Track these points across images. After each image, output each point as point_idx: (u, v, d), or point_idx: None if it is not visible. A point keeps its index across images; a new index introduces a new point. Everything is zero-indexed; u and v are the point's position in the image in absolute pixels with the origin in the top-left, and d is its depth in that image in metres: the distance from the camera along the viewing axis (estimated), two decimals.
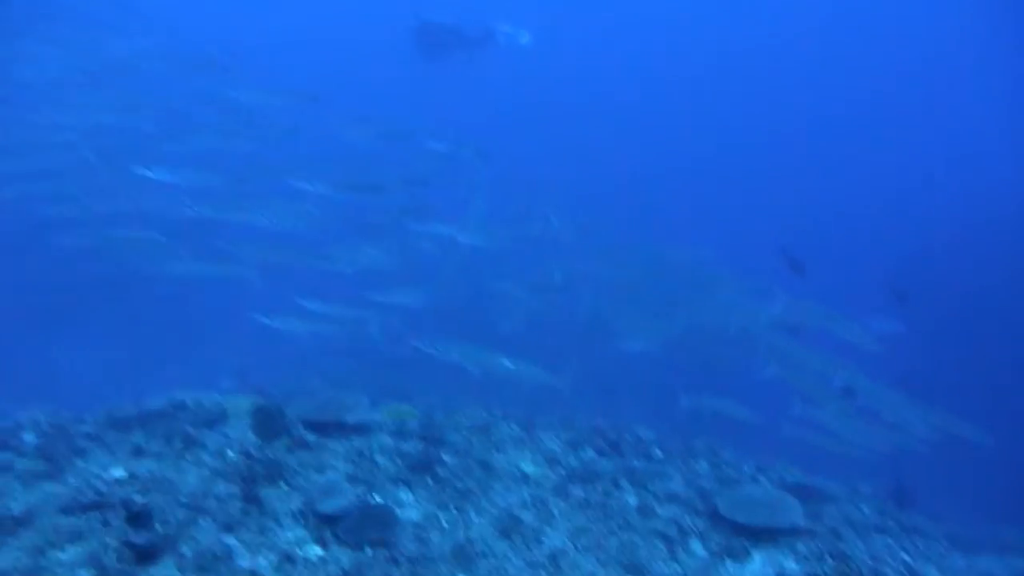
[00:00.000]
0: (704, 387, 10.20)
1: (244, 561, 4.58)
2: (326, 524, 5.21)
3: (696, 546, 6.16)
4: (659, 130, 30.35)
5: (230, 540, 4.74)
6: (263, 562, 4.62)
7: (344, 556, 4.98)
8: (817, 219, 24.94)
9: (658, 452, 8.34)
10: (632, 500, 6.70)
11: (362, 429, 7.12)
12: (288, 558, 4.70)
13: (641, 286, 12.56)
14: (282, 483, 5.51)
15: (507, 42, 16.98)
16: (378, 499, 5.84)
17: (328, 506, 5.26)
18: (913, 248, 19.95)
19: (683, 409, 9.63)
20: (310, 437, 6.52)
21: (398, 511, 5.74)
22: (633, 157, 27.51)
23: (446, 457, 6.95)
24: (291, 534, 5.03)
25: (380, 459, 6.51)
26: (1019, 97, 26.87)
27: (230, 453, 5.57)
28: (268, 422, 6.32)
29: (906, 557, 6.55)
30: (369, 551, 5.11)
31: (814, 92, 31.95)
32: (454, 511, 6.00)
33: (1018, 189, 19.88)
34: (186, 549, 4.50)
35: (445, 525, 5.80)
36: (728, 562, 6.00)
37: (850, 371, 9.19)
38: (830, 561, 5.94)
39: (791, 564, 5.97)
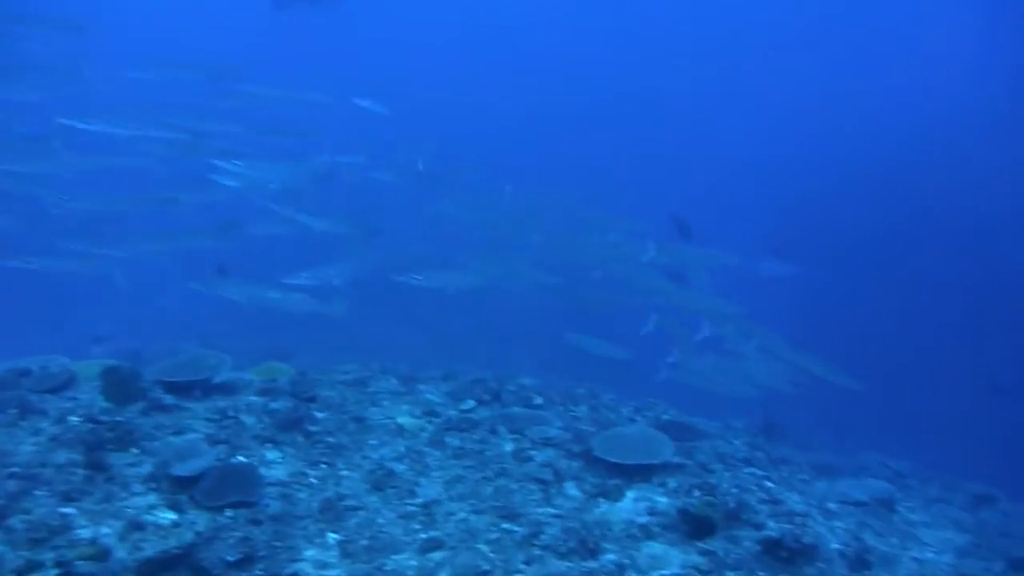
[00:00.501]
0: (587, 330, 10.31)
1: (85, 531, 4.27)
2: (181, 488, 4.94)
3: (571, 488, 6.21)
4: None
5: (69, 510, 4.41)
6: (107, 531, 4.33)
7: (201, 519, 4.73)
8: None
9: (538, 399, 8.34)
10: (508, 447, 6.68)
11: (227, 389, 6.82)
12: (136, 525, 4.42)
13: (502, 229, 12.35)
14: (133, 448, 5.19)
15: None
16: (242, 459, 5.59)
17: (183, 469, 4.99)
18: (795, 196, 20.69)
19: (567, 347, 9.69)
20: (168, 399, 6.18)
21: (263, 470, 5.52)
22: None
23: (318, 413, 6.74)
24: (141, 500, 4.74)
25: (246, 419, 6.24)
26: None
27: (73, 419, 5.19)
28: (120, 385, 5.93)
29: (770, 485, 6.80)
30: (229, 513, 4.88)
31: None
32: (324, 467, 5.83)
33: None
34: (16, 523, 4.15)
35: (314, 482, 5.63)
36: (602, 501, 6.07)
37: (728, 316, 9.44)
38: (698, 494, 6.10)
39: (662, 499, 6.10)
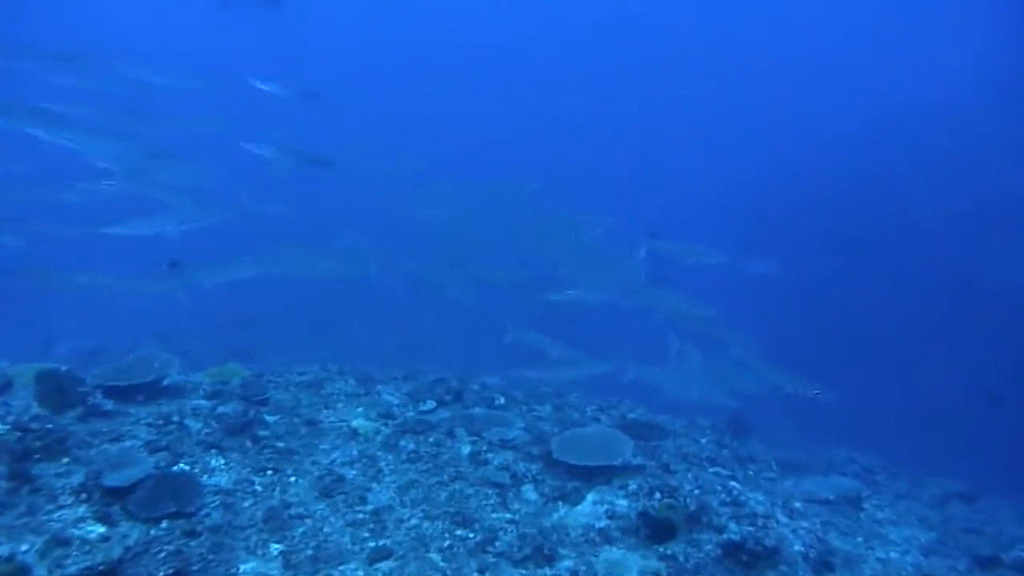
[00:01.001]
0: (546, 328, 10.11)
1: (1, 548, 4.03)
2: (115, 499, 4.70)
3: (529, 492, 6.03)
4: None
5: None
6: (26, 547, 4.09)
7: (133, 532, 4.50)
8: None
9: (501, 399, 8.16)
10: (466, 450, 6.48)
11: (174, 392, 6.57)
12: (60, 541, 4.18)
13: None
14: (64, 457, 4.93)
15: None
16: (183, 467, 5.35)
17: (116, 479, 4.75)
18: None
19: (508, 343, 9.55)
20: (108, 405, 5.92)
21: (205, 478, 5.30)
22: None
23: (268, 417, 6.52)
24: (69, 513, 4.50)
25: (191, 423, 6.00)
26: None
27: (1, 427, 4.93)
28: (56, 391, 5.66)
29: (735, 485, 6.66)
30: (164, 524, 4.65)
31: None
32: (271, 474, 5.60)
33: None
34: None
35: (259, 489, 5.40)
36: (560, 505, 5.90)
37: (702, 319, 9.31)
38: (659, 496, 5.94)
39: (621, 502, 5.93)
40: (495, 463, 6.29)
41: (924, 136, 20.50)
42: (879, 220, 18.61)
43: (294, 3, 15.66)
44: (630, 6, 32.91)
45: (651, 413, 8.78)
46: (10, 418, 5.02)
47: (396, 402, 7.47)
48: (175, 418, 5.97)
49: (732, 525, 5.66)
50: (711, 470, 7.06)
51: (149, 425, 5.77)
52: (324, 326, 17.18)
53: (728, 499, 6.15)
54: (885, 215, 18.57)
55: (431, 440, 6.54)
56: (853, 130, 22.25)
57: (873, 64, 27.00)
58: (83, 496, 4.64)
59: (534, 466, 6.37)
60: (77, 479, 4.74)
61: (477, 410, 7.59)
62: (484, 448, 6.52)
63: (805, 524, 6.47)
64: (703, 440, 8.12)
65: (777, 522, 6.10)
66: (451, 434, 6.75)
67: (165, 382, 6.74)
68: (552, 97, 31.12)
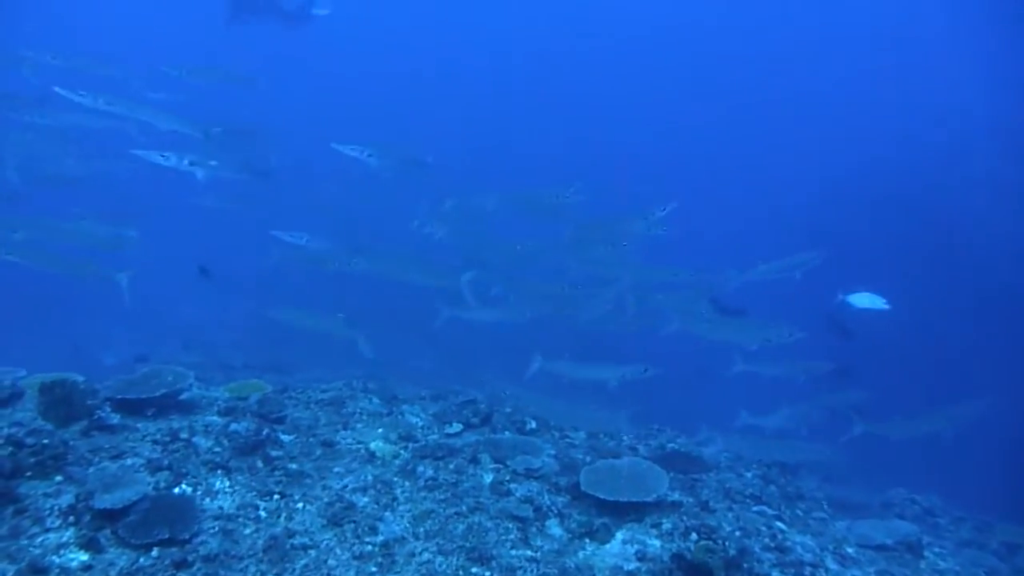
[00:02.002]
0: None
1: None
2: (105, 522, 4.41)
3: (554, 527, 5.58)
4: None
5: None
6: None
7: (121, 560, 4.20)
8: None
9: (533, 423, 7.74)
10: (488, 478, 6.07)
11: (186, 407, 6.31)
12: (36, 569, 3.89)
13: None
14: (58, 475, 4.67)
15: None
16: (184, 489, 5.06)
17: (108, 500, 4.46)
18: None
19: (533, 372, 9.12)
20: (115, 419, 5.68)
21: (206, 501, 4.99)
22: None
23: (284, 436, 6.21)
24: (53, 537, 4.22)
25: (200, 441, 5.72)
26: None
27: None
28: (61, 403, 5.44)
29: (781, 526, 6.14)
30: (155, 552, 4.34)
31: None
32: (277, 499, 5.27)
33: None
34: None
35: (263, 515, 5.07)
36: (587, 543, 5.44)
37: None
38: (695, 537, 5.45)
39: (654, 542, 5.45)
40: (518, 494, 5.86)
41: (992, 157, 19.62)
42: (941, 237, 17.72)
43: (320, 20, 15.48)
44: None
45: (694, 444, 8.26)
46: (5, 431, 4.78)
47: (420, 424, 7.12)
48: (183, 435, 5.70)
49: (775, 573, 5.15)
50: (755, 509, 6.51)
51: (155, 442, 5.50)
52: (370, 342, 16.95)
53: (772, 543, 5.63)
54: (949, 234, 17.66)
55: (452, 467, 6.14)
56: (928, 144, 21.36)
57: (938, 79, 26.04)
58: (71, 519, 4.36)
59: (560, 499, 5.93)
60: (67, 500, 4.46)
61: (506, 435, 7.18)
62: (507, 477, 6.10)
63: (858, 573, 5.89)
64: (748, 474, 7.57)
65: (827, 571, 5.55)
66: (474, 460, 6.34)
67: (183, 396, 6.51)
68: (600, 103, 30.87)
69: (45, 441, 4.78)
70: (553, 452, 6.88)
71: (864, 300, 11.47)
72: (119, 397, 5.87)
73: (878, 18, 29.07)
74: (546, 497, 5.88)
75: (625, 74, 32.85)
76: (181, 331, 16.92)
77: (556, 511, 5.73)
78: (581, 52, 33.46)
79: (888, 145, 22.59)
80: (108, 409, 5.79)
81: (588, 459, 6.85)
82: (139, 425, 5.71)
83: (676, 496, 6.19)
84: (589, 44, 33.75)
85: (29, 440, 4.74)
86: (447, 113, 28.51)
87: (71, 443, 5.10)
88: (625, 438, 7.98)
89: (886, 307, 11.22)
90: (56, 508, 4.39)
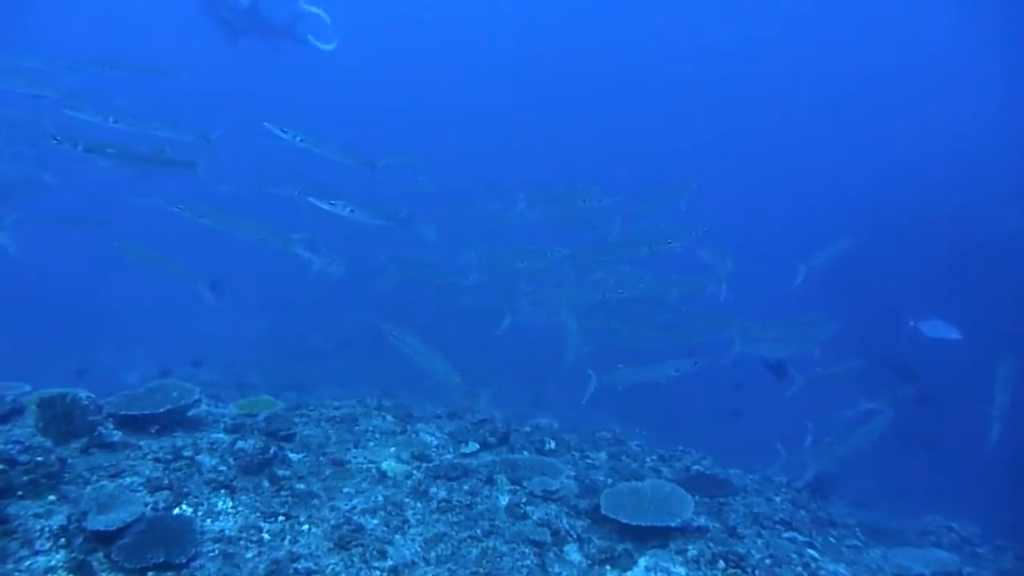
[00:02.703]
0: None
1: None
2: (99, 544, 4.19)
3: (572, 552, 5.29)
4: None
5: None
6: None
7: None
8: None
9: (551, 443, 7.47)
10: (504, 500, 5.79)
11: (192, 424, 6.11)
12: None
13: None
14: (51, 495, 4.46)
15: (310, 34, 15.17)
16: (185, 509, 4.83)
17: (102, 521, 4.23)
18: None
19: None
20: (116, 436, 5.47)
21: (207, 523, 4.75)
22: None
23: (292, 455, 5.98)
24: (41, 561, 3.99)
25: (204, 459, 5.49)
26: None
27: None
28: (61, 419, 5.24)
29: (812, 554, 5.80)
30: None
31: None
32: (282, 520, 5.02)
33: None
34: None
35: (266, 537, 4.82)
36: (608, 570, 5.14)
37: None
38: (722, 564, 5.13)
39: (679, 570, 5.14)
40: (535, 517, 5.57)
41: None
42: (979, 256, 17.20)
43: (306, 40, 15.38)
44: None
45: (720, 466, 7.93)
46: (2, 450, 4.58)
47: (434, 443, 6.86)
48: (187, 453, 5.48)
49: None
50: (785, 535, 6.17)
51: (156, 460, 5.28)
52: (387, 360, 16.80)
53: (805, 573, 5.29)
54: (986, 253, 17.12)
55: (466, 488, 5.86)
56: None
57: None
58: (62, 541, 4.14)
59: (580, 522, 5.64)
60: (59, 520, 4.24)
61: (523, 455, 6.90)
62: (524, 499, 5.81)
63: None
64: (778, 499, 7.23)
65: None
66: (490, 481, 6.07)
67: (190, 412, 6.31)
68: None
69: (39, 459, 4.57)
70: (572, 473, 6.60)
71: (936, 329, 10.97)
72: (121, 413, 5.67)
73: (905, 30, 28.73)
74: (564, 520, 5.58)
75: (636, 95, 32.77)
76: (200, 349, 16.86)
77: (575, 535, 5.43)
78: (635, 57, 33.43)
79: (918, 161, 22.14)
80: (111, 426, 5.60)
81: (609, 481, 6.58)
82: (141, 443, 5.50)
83: (702, 521, 5.88)
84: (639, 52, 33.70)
85: (22, 458, 4.54)
86: (463, 117, 28.58)
87: (69, 461, 4.90)
88: (648, 459, 7.67)
89: (958, 337, 10.80)
90: (47, 529, 4.17)
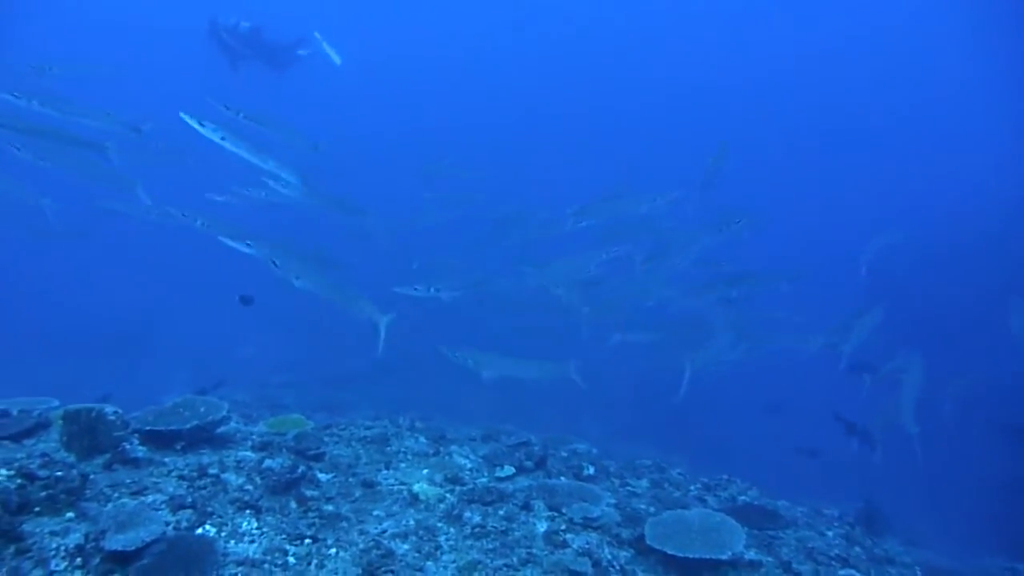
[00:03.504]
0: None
1: None
2: (116, 565, 3.96)
3: None
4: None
5: None
6: None
7: None
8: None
9: (590, 469, 7.15)
10: (542, 527, 5.48)
11: (219, 441, 5.91)
12: None
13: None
14: (69, 512, 4.25)
15: (316, 57, 15.15)
16: (208, 530, 4.60)
17: (120, 541, 4.01)
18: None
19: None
20: (140, 451, 5.28)
21: (230, 544, 4.51)
22: None
23: (321, 475, 5.74)
24: None
25: (231, 477, 5.28)
26: None
27: (2, 473, 4.30)
28: (85, 434, 5.07)
29: None
30: None
31: None
32: (308, 543, 4.76)
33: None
34: None
35: (291, 561, 4.56)
36: None
37: None
38: None
39: None
40: (575, 546, 5.25)
41: None
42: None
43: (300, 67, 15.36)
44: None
45: (767, 496, 7.53)
46: (18, 463, 4.39)
47: (468, 465, 6.58)
48: (213, 470, 5.26)
49: None
50: (842, 572, 5.78)
51: (181, 478, 5.07)
52: (422, 384, 16.68)
53: None
54: None
55: (502, 513, 5.57)
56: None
57: None
58: (78, 561, 3.92)
59: (623, 553, 5.31)
60: (75, 539, 4.02)
61: (561, 480, 6.59)
62: (563, 527, 5.50)
63: None
64: (830, 533, 6.82)
65: None
66: (527, 507, 5.77)
67: (219, 430, 6.12)
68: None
69: (59, 474, 4.37)
70: (613, 501, 6.27)
71: None
72: (147, 429, 5.48)
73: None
74: (607, 550, 5.26)
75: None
76: (237, 372, 16.86)
77: (618, 567, 5.10)
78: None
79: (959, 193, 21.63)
80: (136, 441, 5.41)
81: (652, 509, 6.25)
82: (166, 459, 5.31)
83: (753, 555, 5.51)
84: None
85: (42, 472, 4.34)
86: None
87: (91, 476, 4.70)
88: (692, 487, 7.32)
89: None
90: (63, 548, 3.96)
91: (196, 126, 7.04)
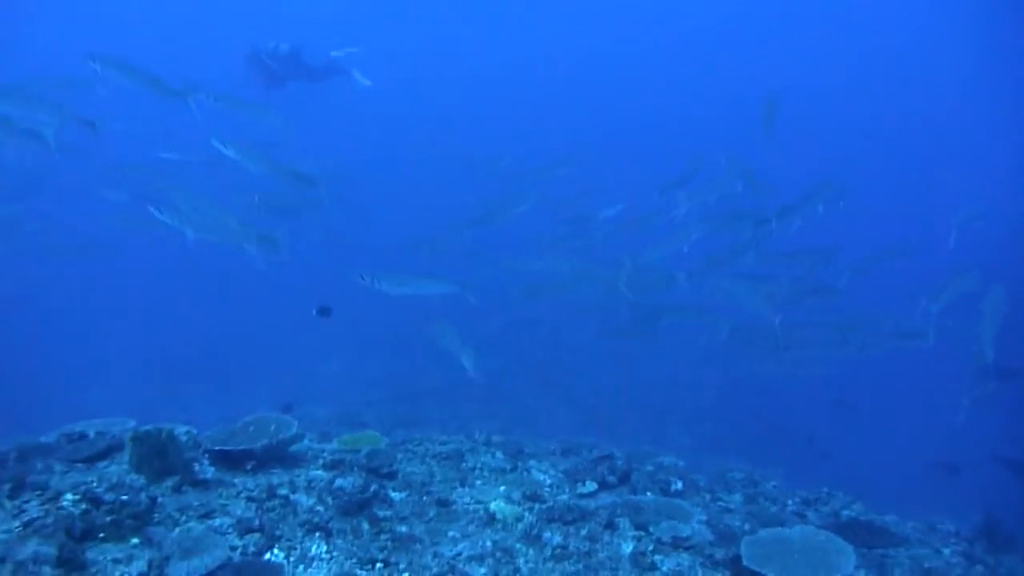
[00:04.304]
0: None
1: None
2: None
3: None
4: None
5: None
6: None
7: None
8: None
9: (678, 484, 6.71)
10: (628, 547, 5.11)
11: (290, 460, 5.75)
12: None
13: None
14: (134, 537, 4.11)
15: (349, 75, 15.11)
16: (276, 554, 4.40)
17: (183, 569, 3.85)
18: None
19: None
20: (210, 472, 5.15)
21: (298, 570, 4.31)
22: None
23: (394, 494, 5.51)
24: None
25: (301, 498, 5.09)
26: None
27: (68, 498, 4.20)
28: (155, 455, 4.96)
29: None
30: None
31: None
32: (380, 568, 4.52)
33: None
34: None
35: None
36: None
37: None
38: None
39: None
40: (664, 568, 4.86)
41: None
42: None
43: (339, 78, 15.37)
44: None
45: (873, 510, 6.95)
46: (84, 487, 4.30)
47: (548, 482, 6.25)
48: (282, 491, 5.09)
49: None
50: None
51: (249, 499, 4.91)
52: (501, 397, 16.48)
53: None
54: None
55: (584, 533, 5.22)
56: None
57: None
58: None
59: (718, 575, 4.89)
60: (139, 567, 3.87)
61: (647, 496, 6.21)
62: (650, 547, 5.11)
63: None
64: (947, 551, 6.20)
65: None
66: (611, 526, 5.40)
67: (292, 448, 5.98)
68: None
69: (124, 498, 4.25)
70: (704, 518, 5.83)
71: None
72: (217, 449, 5.36)
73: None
74: (700, 573, 4.85)
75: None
76: (322, 388, 17.01)
77: None
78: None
79: None
80: (206, 462, 5.30)
81: (747, 527, 5.80)
82: (236, 480, 5.16)
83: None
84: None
85: (108, 497, 4.23)
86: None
87: (159, 500, 4.58)
88: (789, 502, 6.80)
89: None
90: None
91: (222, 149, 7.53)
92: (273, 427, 5.64)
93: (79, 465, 5.15)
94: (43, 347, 16.61)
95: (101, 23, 29.93)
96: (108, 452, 5.38)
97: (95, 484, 4.44)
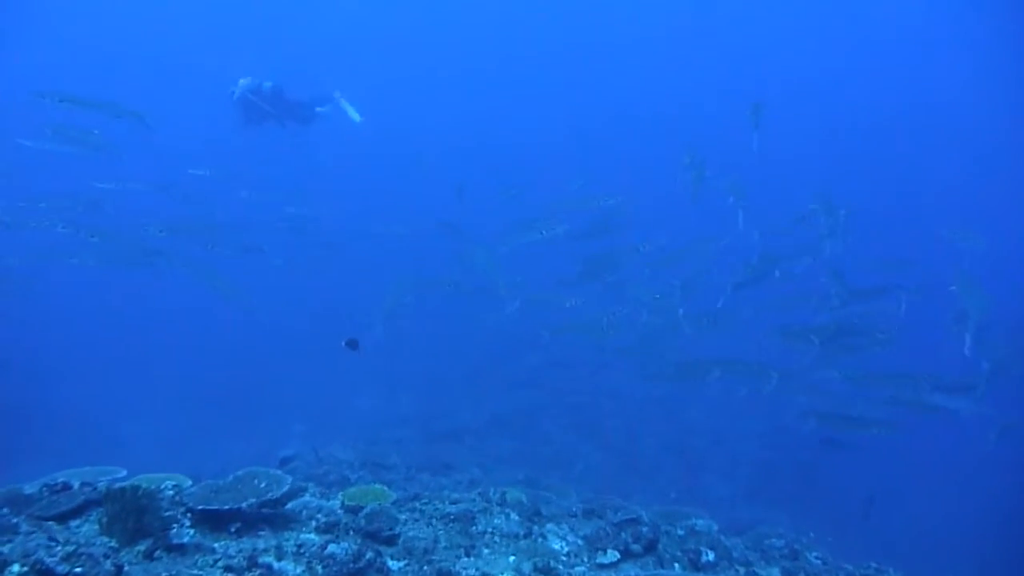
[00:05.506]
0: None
1: None
2: None
3: None
4: None
5: None
6: None
7: None
8: None
9: (710, 554, 6.09)
10: None
11: (281, 521, 5.29)
12: None
13: None
14: None
15: (335, 115, 15.01)
16: None
17: None
18: None
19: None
20: (188, 535, 4.72)
21: None
22: None
23: (392, 562, 5.02)
24: None
25: (287, 567, 4.63)
26: None
27: (14, 571, 3.79)
28: (131, 514, 4.54)
29: None
30: None
31: None
32: None
33: None
34: None
35: None
36: None
37: None
38: None
39: None
40: None
41: None
42: None
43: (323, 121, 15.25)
44: None
45: None
46: (34, 556, 3.88)
47: (565, 549, 5.70)
48: (266, 559, 4.63)
49: None
50: None
51: (227, 569, 4.45)
52: (535, 438, 15.97)
53: None
54: None
55: None
56: None
57: None
58: None
59: None
60: None
61: (675, 570, 5.62)
62: None
63: None
64: None
65: None
66: None
67: (288, 505, 5.54)
68: None
69: (78, 570, 3.83)
70: None
71: None
72: (200, 508, 4.93)
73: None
74: None
75: None
76: (353, 424, 16.67)
77: None
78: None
79: None
80: (187, 523, 4.87)
81: None
82: (216, 544, 4.71)
83: None
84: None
85: (60, 569, 3.81)
86: None
87: (126, 569, 4.15)
88: None
89: None
90: None
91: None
92: (263, 484, 5.21)
93: (49, 523, 4.76)
94: (78, 379, 16.57)
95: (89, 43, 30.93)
96: (85, 508, 4.99)
97: (56, 549, 4.02)
